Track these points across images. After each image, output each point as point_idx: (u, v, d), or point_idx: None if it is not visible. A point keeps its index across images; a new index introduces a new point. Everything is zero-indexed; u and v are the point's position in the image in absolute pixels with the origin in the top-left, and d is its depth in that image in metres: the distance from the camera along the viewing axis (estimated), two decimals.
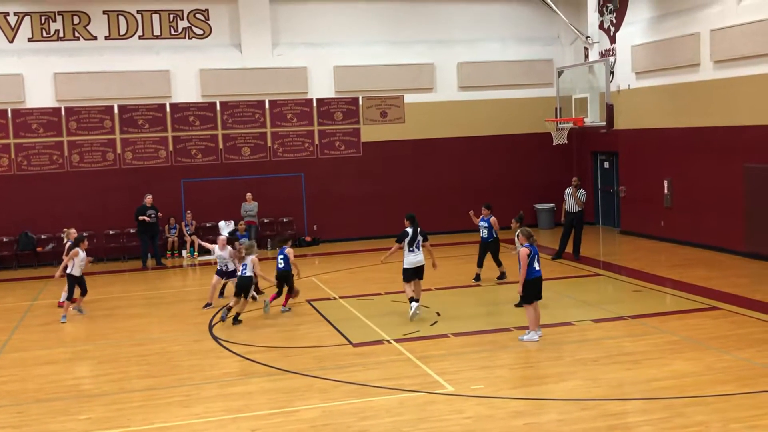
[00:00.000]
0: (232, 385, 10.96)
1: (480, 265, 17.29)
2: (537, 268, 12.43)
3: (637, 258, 19.52)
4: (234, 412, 9.87)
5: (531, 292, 12.46)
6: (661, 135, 21.46)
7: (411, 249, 14.06)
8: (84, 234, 16.21)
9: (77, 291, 15.59)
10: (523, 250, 12.39)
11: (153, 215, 21.44)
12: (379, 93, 24.47)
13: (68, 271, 15.34)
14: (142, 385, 11.21)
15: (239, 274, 14.77)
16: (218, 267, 16.06)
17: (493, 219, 16.98)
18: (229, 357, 12.38)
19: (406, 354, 12.02)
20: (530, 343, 12.35)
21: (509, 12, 25.41)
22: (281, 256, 15.05)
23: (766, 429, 8.61)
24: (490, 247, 17.13)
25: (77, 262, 15.33)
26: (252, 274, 14.77)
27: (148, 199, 21.58)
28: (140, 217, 21.29)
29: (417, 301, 14.09)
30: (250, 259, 14.67)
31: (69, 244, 15.86)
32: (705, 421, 8.89)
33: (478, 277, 17.23)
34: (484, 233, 17.08)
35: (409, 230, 14.05)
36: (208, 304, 15.78)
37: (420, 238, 14.11)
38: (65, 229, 16.71)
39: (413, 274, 14.15)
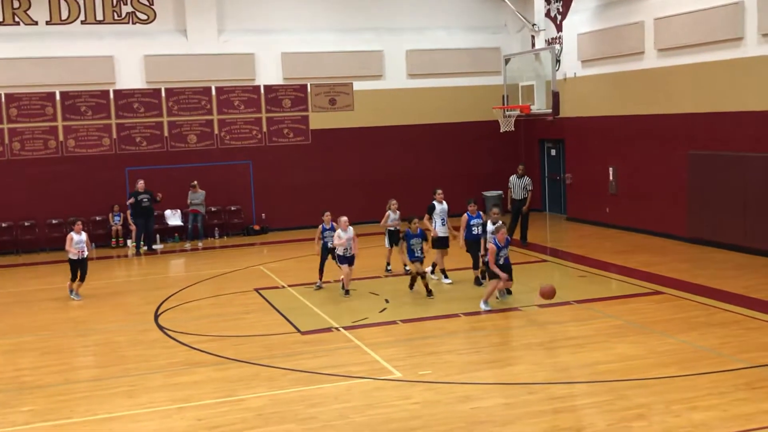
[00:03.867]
0: (178, 374, 10.83)
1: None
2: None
3: (583, 244, 19.77)
4: (179, 402, 9.75)
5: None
6: (607, 123, 21.73)
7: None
8: (75, 218, 17.04)
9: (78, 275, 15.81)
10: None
11: (146, 200, 21.38)
12: (328, 80, 24.32)
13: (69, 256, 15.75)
14: (86, 375, 11.03)
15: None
16: (343, 254, 14.97)
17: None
18: (175, 347, 12.23)
19: (354, 341, 12.02)
20: (480, 329, 12.52)
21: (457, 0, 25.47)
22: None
23: (705, 410, 8.79)
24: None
25: (72, 245, 15.58)
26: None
27: (140, 184, 21.50)
28: (128, 201, 21.45)
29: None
30: None
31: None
32: (647, 403, 9.04)
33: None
34: (479, 230, 15.24)
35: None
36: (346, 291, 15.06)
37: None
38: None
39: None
